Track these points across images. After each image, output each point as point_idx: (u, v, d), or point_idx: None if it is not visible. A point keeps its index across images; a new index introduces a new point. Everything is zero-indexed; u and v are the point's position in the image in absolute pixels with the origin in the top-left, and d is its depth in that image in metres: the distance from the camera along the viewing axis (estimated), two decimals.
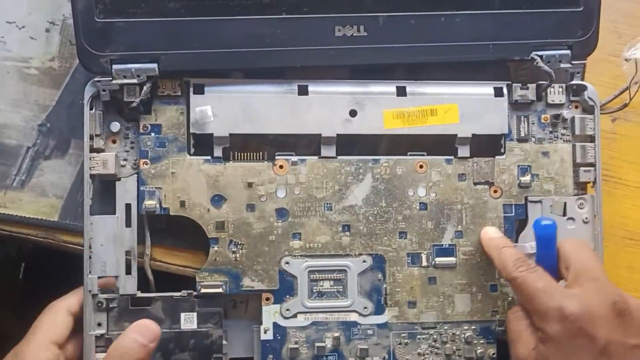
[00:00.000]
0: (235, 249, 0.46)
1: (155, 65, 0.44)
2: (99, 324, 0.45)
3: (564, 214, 0.49)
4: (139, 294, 0.45)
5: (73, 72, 0.49)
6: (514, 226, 0.49)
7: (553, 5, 0.47)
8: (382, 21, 0.45)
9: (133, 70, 0.44)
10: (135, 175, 0.46)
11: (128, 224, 0.46)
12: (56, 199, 0.48)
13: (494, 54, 0.47)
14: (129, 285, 0.45)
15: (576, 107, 0.49)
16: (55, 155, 0.49)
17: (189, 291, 0.46)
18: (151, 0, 0.43)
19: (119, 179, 0.46)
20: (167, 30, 0.43)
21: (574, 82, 0.48)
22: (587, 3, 0.46)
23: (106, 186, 0.46)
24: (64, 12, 0.49)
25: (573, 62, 0.48)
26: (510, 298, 0.48)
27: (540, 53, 0.47)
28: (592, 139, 0.49)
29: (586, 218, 0.49)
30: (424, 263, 0.48)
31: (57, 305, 0.44)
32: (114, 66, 0.44)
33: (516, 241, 0.48)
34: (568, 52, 0.47)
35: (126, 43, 0.44)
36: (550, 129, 0.49)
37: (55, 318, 0.43)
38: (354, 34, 0.45)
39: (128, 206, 0.46)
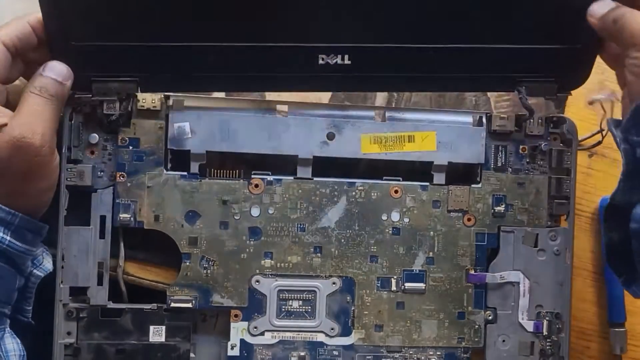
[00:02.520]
0: (206, 265, 0.46)
1: (134, 85, 0.44)
2: (69, 333, 0.45)
3: (535, 245, 0.49)
4: (110, 305, 0.46)
5: None
6: (486, 255, 0.49)
7: (548, 41, 0.45)
8: (367, 51, 0.44)
9: (113, 88, 0.44)
10: (111, 187, 0.46)
11: (102, 235, 0.46)
12: None
13: (479, 87, 0.47)
14: (99, 296, 0.46)
15: (554, 139, 0.49)
16: None
17: (159, 304, 0.46)
18: (129, 24, 0.42)
19: (95, 191, 0.46)
20: (146, 54, 0.43)
21: (553, 114, 0.49)
22: (587, 40, 0.44)
23: (81, 198, 0.46)
24: None
25: (558, 94, 0.48)
26: (477, 326, 0.49)
27: (525, 85, 0.47)
28: (568, 172, 0.49)
29: (557, 250, 0.49)
30: (394, 287, 0.48)
31: None
32: (94, 84, 0.44)
33: (487, 270, 0.49)
34: (555, 85, 0.47)
35: (104, 64, 0.43)
36: (528, 160, 0.49)
37: None
38: (338, 62, 0.44)
39: (103, 218, 0.46)
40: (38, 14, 0.41)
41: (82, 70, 0.43)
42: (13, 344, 0.42)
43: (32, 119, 0.41)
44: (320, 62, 0.44)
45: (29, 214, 0.42)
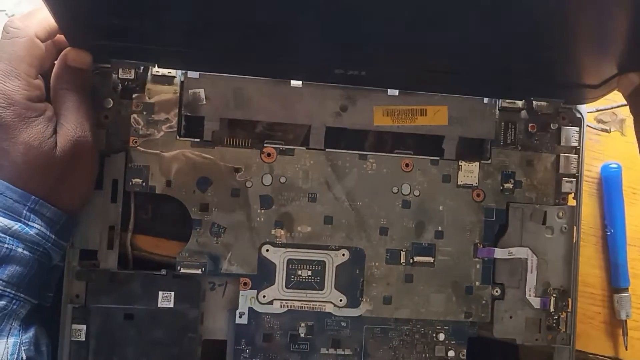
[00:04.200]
0: (217, 232, 0.46)
1: (153, 63, 0.45)
2: (77, 296, 0.45)
3: (544, 223, 0.49)
4: (119, 271, 0.46)
5: None
6: (494, 231, 0.49)
7: (567, 77, 0.45)
8: (383, 66, 0.44)
9: (131, 63, 0.44)
10: (124, 152, 0.46)
11: (114, 199, 0.46)
12: None
13: (489, 94, 0.49)
14: (110, 259, 0.46)
15: (563, 118, 0.50)
16: None
17: (169, 270, 0.46)
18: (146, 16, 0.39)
19: (108, 155, 0.46)
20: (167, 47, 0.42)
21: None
22: (606, 85, 0.44)
23: None
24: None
25: (564, 105, 0.49)
26: (484, 301, 0.49)
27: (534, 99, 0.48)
28: (576, 150, 0.50)
29: (565, 227, 0.49)
30: (402, 260, 0.48)
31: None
32: (112, 60, 0.44)
33: (495, 246, 0.49)
34: (562, 100, 0.49)
35: (122, 53, 0.43)
36: (537, 138, 0.50)
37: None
38: (354, 74, 0.44)
39: (115, 182, 0.46)
40: None
41: (102, 58, 0.44)
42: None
43: (77, 116, 0.42)
44: (337, 71, 0.44)
45: (73, 210, 0.43)
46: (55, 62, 0.43)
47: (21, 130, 0.40)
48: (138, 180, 0.46)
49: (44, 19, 0.41)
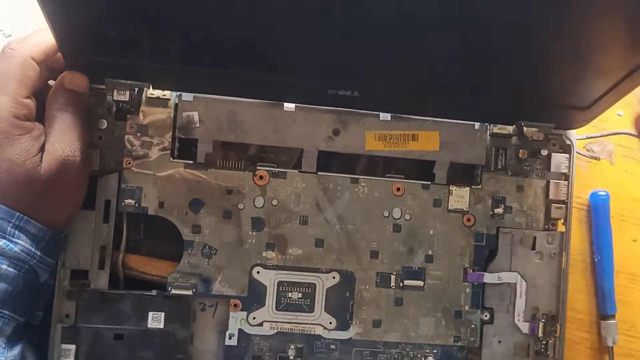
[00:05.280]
0: (208, 254, 0.47)
1: (147, 84, 0.45)
2: (67, 316, 0.45)
3: (533, 248, 0.50)
4: (110, 290, 0.46)
5: None
6: (484, 255, 0.50)
7: (558, 100, 0.46)
8: (375, 88, 0.45)
9: (125, 84, 0.45)
10: (118, 173, 0.46)
11: (106, 220, 0.46)
12: None
13: (481, 119, 0.49)
14: (101, 279, 0.46)
15: (553, 144, 0.50)
16: None
17: (159, 291, 0.46)
18: (144, 38, 0.40)
19: (101, 176, 0.46)
20: (160, 63, 0.43)
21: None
22: (597, 105, 0.45)
23: (88, 182, 0.46)
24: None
25: (554, 131, 0.50)
26: (473, 326, 0.49)
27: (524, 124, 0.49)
28: (566, 177, 0.50)
29: (554, 253, 0.50)
30: (392, 284, 0.49)
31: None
32: (107, 79, 0.44)
33: (485, 270, 0.49)
34: (552, 125, 0.49)
35: (119, 73, 0.44)
36: (527, 164, 0.50)
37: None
38: (347, 94, 0.45)
39: (107, 202, 0.46)
40: None
41: (97, 77, 0.44)
42: None
43: (68, 136, 0.43)
44: (330, 92, 0.45)
45: (58, 227, 0.43)
46: (50, 82, 0.43)
47: (5, 147, 0.40)
48: (131, 201, 0.46)
49: (41, 42, 0.42)
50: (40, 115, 0.43)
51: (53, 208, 0.43)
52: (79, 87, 0.43)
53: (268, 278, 0.47)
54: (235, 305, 0.47)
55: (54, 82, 0.44)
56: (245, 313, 0.47)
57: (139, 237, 0.48)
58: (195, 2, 0.36)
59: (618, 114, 0.55)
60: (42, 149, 0.42)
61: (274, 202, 0.48)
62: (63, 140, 0.42)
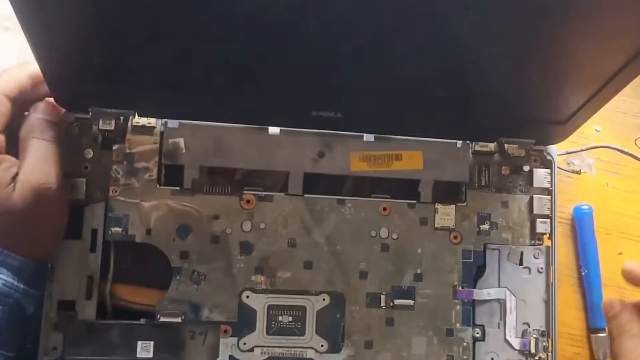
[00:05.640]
0: (197, 280, 0.47)
1: (133, 112, 0.46)
2: (54, 348, 0.45)
3: (521, 263, 0.50)
4: (97, 320, 0.45)
5: None
6: (473, 272, 0.50)
7: (536, 114, 0.47)
8: (359, 109, 0.46)
9: (111, 113, 0.45)
10: (104, 201, 0.46)
11: (93, 249, 0.46)
12: None
13: (462, 137, 0.50)
14: (88, 310, 0.45)
15: (535, 160, 0.51)
16: None
17: (148, 319, 0.46)
18: (131, 66, 0.41)
19: (88, 205, 0.46)
20: (145, 90, 0.44)
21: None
22: (574, 118, 0.46)
23: (73, 211, 0.46)
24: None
25: (534, 146, 0.51)
26: (465, 343, 0.49)
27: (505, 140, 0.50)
28: (548, 191, 0.51)
29: (541, 268, 0.50)
30: (382, 304, 0.48)
31: None
32: (91, 109, 0.45)
33: (474, 287, 0.50)
34: (533, 140, 0.50)
35: (104, 101, 0.44)
36: (510, 180, 0.51)
37: None
38: (330, 116, 0.45)
39: (94, 232, 0.46)
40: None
41: (82, 105, 0.45)
42: None
43: (43, 164, 0.42)
44: (313, 114, 0.45)
45: (40, 257, 0.43)
46: (26, 114, 0.44)
47: None
48: (118, 229, 0.46)
49: (14, 78, 0.42)
50: (11, 148, 0.43)
51: (32, 238, 0.42)
52: (53, 116, 0.44)
53: (258, 302, 0.47)
54: (226, 331, 0.46)
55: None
56: (235, 339, 0.46)
57: (126, 265, 0.48)
58: (179, 29, 0.37)
59: (596, 130, 0.56)
60: (14, 179, 0.41)
61: (262, 226, 0.48)
62: (37, 169, 0.42)
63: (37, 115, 0.43)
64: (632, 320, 0.44)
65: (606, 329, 0.53)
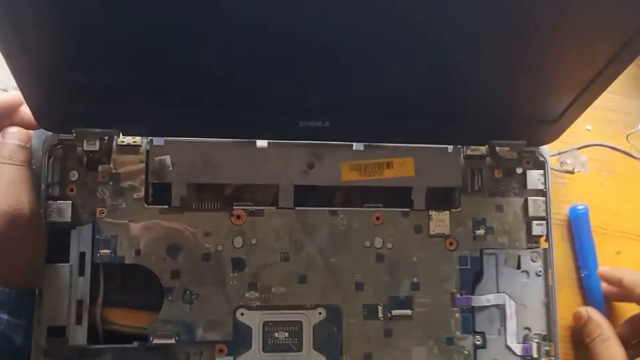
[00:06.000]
0: (189, 299, 0.45)
1: (117, 130, 0.45)
2: None
3: (519, 267, 0.49)
4: (89, 346, 0.44)
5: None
6: (471, 279, 0.49)
7: (526, 114, 0.46)
8: (346, 117, 0.45)
9: (95, 133, 0.44)
10: (91, 223, 0.45)
11: (81, 272, 0.45)
12: None
13: (453, 141, 0.49)
14: (79, 335, 0.44)
15: (527, 162, 0.51)
16: None
17: (141, 342, 0.45)
18: (114, 84, 0.41)
19: (75, 227, 0.45)
20: (130, 108, 0.43)
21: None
22: (564, 117, 0.46)
23: (60, 234, 0.45)
24: None
25: (526, 148, 0.50)
26: (466, 352, 0.48)
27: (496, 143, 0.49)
28: (543, 193, 0.50)
29: (539, 271, 0.49)
30: (380, 315, 0.47)
31: None
32: (75, 129, 0.44)
33: (472, 294, 0.49)
34: (524, 142, 0.49)
35: (87, 121, 0.44)
36: (503, 184, 0.50)
37: None
38: (318, 125, 0.45)
39: (82, 255, 0.45)
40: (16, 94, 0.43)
41: (65, 126, 0.44)
42: None
43: (13, 189, 0.41)
44: (301, 125, 0.45)
45: (22, 286, 0.42)
46: None
47: None
48: (106, 251, 0.45)
49: None
50: None
51: (9, 266, 0.41)
52: (22, 141, 0.43)
53: (253, 319, 0.46)
54: (221, 350, 0.45)
55: None
56: (231, 358, 0.45)
57: (116, 288, 0.47)
58: (163, 46, 0.36)
59: (587, 129, 0.55)
60: None
61: (253, 241, 0.47)
62: (7, 194, 0.41)
63: (7, 140, 0.43)
64: (600, 325, 0.49)
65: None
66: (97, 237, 0.45)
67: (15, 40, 0.35)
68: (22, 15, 0.33)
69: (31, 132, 0.44)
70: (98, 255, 0.45)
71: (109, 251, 0.45)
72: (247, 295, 0.46)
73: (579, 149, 0.54)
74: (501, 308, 0.49)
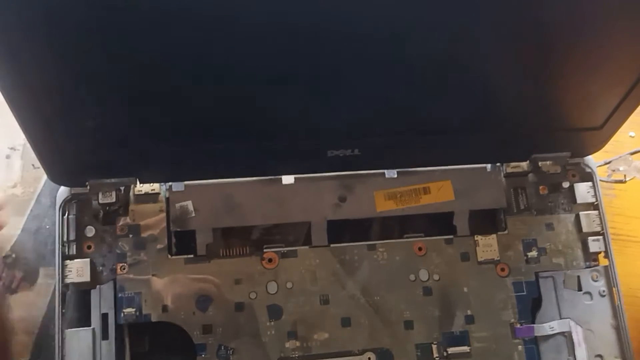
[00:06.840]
0: (224, 355, 0.41)
1: (134, 178, 0.42)
2: None
3: (579, 289, 0.45)
4: None
5: (38, 196, 0.48)
6: (529, 306, 0.45)
7: (570, 125, 0.43)
8: (377, 142, 0.41)
9: (110, 183, 0.42)
10: (112, 281, 0.42)
11: (105, 336, 0.41)
12: (26, 336, 0.45)
13: (494, 159, 0.46)
14: None
15: (573, 175, 0.47)
16: (23, 287, 0.46)
17: None
18: (127, 131, 0.38)
19: (95, 287, 0.42)
20: (146, 155, 0.40)
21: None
22: (609, 123, 0.43)
23: (79, 296, 0.42)
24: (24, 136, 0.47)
25: (570, 160, 0.47)
26: None
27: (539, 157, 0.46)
28: (595, 206, 0.47)
29: (603, 291, 0.45)
30: (435, 354, 0.43)
31: None
32: (89, 181, 0.41)
33: (533, 322, 0.44)
34: (568, 153, 0.46)
35: (101, 171, 0.41)
36: (550, 200, 0.47)
37: None
38: (347, 154, 0.42)
39: (105, 316, 0.41)
40: None
41: (78, 179, 0.41)
42: None
43: None
44: (330, 154, 0.42)
45: None
46: None
47: None
48: (130, 310, 0.41)
49: None
50: None
51: None
52: None
53: None
54: None
55: None
56: None
57: (144, 349, 0.43)
58: (176, 87, 0.34)
59: (630, 136, 0.52)
60: None
61: (289, 285, 0.43)
62: None
63: None
64: None
65: None
66: (120, 295, 0.42)
67: (23, 96, 0.33)
68: (31, 70, 0.31)
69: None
70: (122, 315, 0.41)
71: (134, 310, 0.41)
72: (287, 345, 0.42)
73: (627, 155, 0.51)
74: (567, 335, 0.44)
